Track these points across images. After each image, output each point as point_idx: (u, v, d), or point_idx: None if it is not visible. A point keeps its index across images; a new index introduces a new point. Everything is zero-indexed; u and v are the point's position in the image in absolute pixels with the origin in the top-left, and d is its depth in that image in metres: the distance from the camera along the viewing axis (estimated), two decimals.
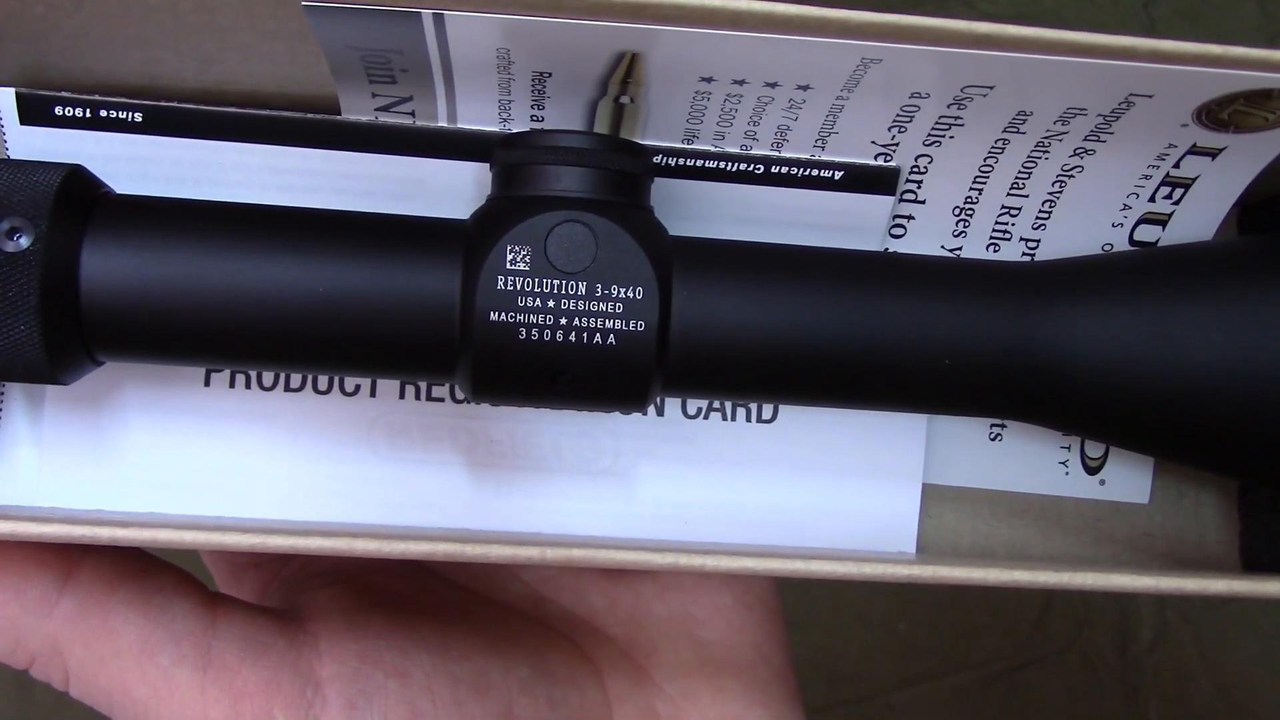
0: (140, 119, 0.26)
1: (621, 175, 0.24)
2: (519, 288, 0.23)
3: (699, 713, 0.28)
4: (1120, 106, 0.24)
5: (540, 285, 0.23)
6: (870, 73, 0.23)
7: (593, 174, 0.23)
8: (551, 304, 0.23)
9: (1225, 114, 0.24)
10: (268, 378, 0.28)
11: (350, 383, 0.28)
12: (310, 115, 0.26)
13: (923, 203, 0.28)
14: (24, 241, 0.22)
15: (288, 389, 0.28)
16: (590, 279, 0.23)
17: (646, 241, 0.23)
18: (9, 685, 0.64)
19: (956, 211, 0.28)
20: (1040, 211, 0.28)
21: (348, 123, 0.26)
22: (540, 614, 0.29)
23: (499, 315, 0.23)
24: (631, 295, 0.23)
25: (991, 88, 0.24)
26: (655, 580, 0.30)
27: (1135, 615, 0.64)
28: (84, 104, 0.26)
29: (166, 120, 0.26)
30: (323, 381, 0.28)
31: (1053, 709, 0.63)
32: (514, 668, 0.26)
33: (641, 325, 0.23)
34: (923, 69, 0.23)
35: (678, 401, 0.29)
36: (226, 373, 0.28)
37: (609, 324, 0.23)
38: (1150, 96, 0.24)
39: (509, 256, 0.23)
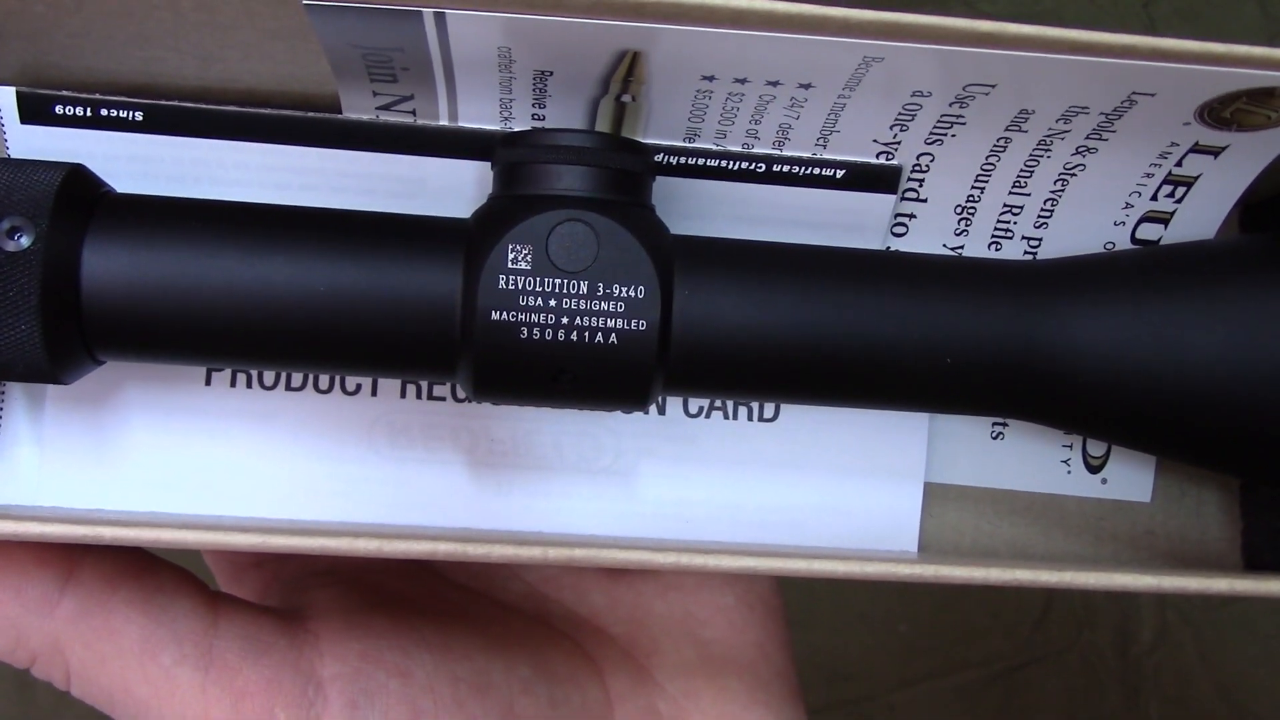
0: (141, 118, 0.26)
1: (623, 174, 0.24)
2: (520, 287, 0.23)
3: (701, 712, 0.28)
4: (1122, 105, 0.24)
5: (542, 284, 0.23)
6: (872, 71, 0.23)
7: (594, 173, 0.23)
8: (553, 303, 0.23)
9: (1227, 112, 0.24)
10: (269, 377, 0.28)
11: (351, 382, 0.28)
12: (311, 114, 0.26)
13: (924, 201, 0.28)
14: (25, 241, 0.22)
15: (289, 388, 0.28)
16: (592, 278, 0.23)
17: (648, 240, 0.23)
18: (10, 685, 0.64)
19: (958, 210, 0.28)
20: (1042, 210, 0.28)
21: (349, 121, 0.26)
22: (542, 613, 0.29)
23: (500, 314, 0.23)
24: (633, 294, 0.23)
25: (993, 86, 0.24)
26: (657, 580, 0.30)
27: (1135, 616, 0.64)
28: (85, 103, 0.26)
29: (167, 119, 0.26)
30: (324, 381, 0.28)
31: (1053, 709, 0.63)
32: (515, 667, 0.26)
33: (643, 324, 0.23)
34: (924, 67, 0.23)
35: (679, 400, 0.29)
36: (227, 372, 0.28)
37: (610, 323, 0.23)
38: (1152, 95, 0.24)
39: (510, 255, 0.23)
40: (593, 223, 0.23)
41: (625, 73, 0.24)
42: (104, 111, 0.26)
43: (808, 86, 0.24)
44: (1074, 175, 0.27)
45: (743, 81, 0.24)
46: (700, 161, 0.27)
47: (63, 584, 0.23)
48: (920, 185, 0.27)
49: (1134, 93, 0.24)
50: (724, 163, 0.27)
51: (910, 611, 0.63)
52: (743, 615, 0.30)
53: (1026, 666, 0.62)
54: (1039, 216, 0.28)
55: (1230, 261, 0.25)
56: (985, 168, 0.27)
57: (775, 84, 0.24)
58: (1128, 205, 0.28)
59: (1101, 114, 0.25)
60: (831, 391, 0.25)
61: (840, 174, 0.27)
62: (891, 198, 0.27)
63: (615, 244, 0.23)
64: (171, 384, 0.28)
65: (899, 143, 0.26)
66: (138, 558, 0.25)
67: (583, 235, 0.23)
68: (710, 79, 0.24)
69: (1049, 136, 0.26)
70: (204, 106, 0.26)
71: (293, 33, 0.24)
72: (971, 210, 0.28)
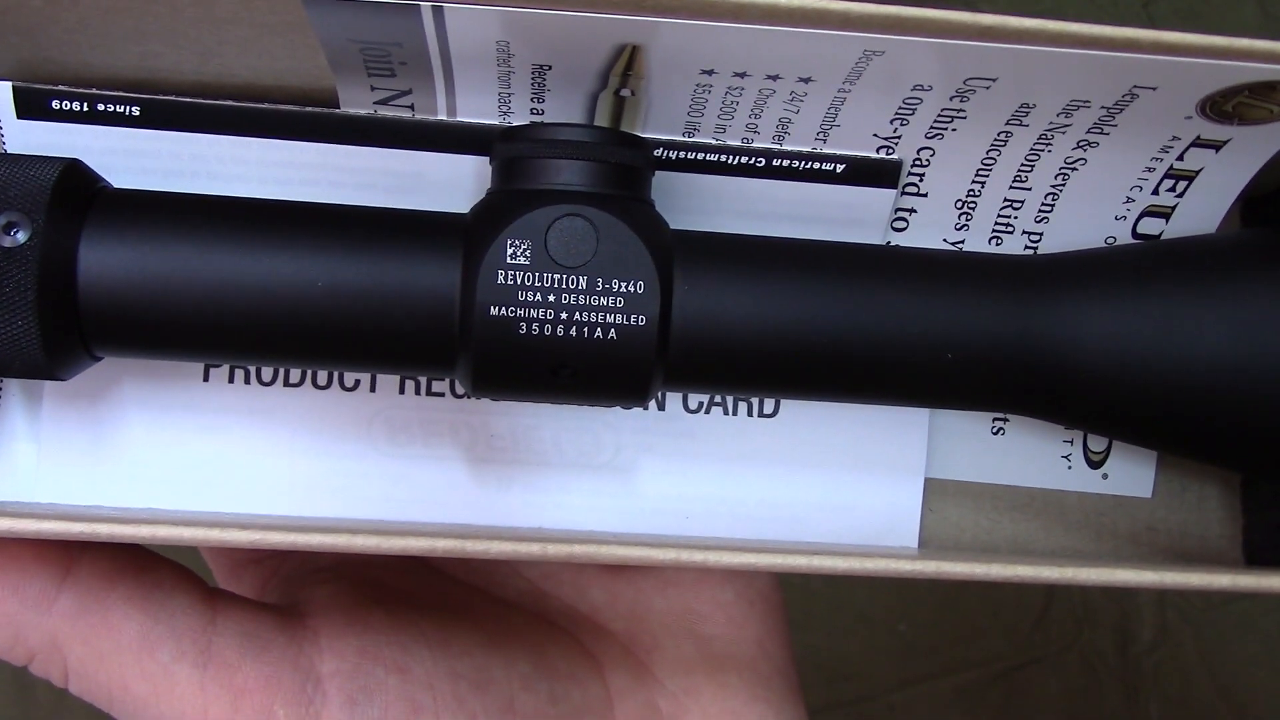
0: (138, 113, 0.26)
1: (622, 168, 0.23)
2: (519, 282, 0.23)
3: (700, 708, 0.28)
4: (1124, 99, 0.24)
5: (541, 280, 0.23)
6: (872, 65, 0.23)
7: (593, 167, 0.23)
8: (552, 298, 0.23)
9: (1229, 106, 0.24)
10: (266, 373, 0.28)
11: (350, 378, 0.28)
12: (309, 109, 0.26)
13: (925, 196, 0.28)
14: (21, 236, 0.22)
15: (287, 384, 0.28)
16: (591, 273, 0.23)
17: (647, 235, 0.23)
18: (9, 685, 0.64)
19: (959, 205, 0.28)
20: (1043, 204, 0.28)
21: (346, 116, 0.26)
22: (541, 609, 0.29)
23: (499, 310, 0.22)
24: (632, 289, 0.23)
25: (994, 80, 0.24)
26: (656, 576, 0.29)
27: (1136, 615, 0.64)
28: (82, 98, 0.26)
29: (164, 114, 0.26)
30: (322, 377, 0.28)
31: (1053, 709, 0.63)
32: (515, 663, 0.26)
33: (642, 319, 0.23)
34: (925, 61, 0.23)
35: (678, 396, 0.29)
36: (225, 368, 0.28)
37: (610, 318, 0.23)
38: (1154, 89, 0.24)
39: (509, 251, 0.23)
40: (592, 217, 0.23)
41: (624, 67, 0.24)
42: (101, 106, 0.26)
43: (808, 80, 0.24)
44: (1075, 169, 0.27)
45: (742, 75, 0.24)
46: (699, 156, 0.27)
47: (60, 580, 0.23)
48: (920, 180, 0.27)
49: (1135, 86, 0.24)
50: (723, 157, 0.27)
51: (910, 611, 0.63)
52: (742, 611, 0.29)
53: (1026, 666, 0.63)
54: (1040, 211, 0.28)
55: (1231, 256, 0.25)
56: (986, 162, 0.27)
57: (775, 78, 0.24)
58: (1129, 200, 0.27)
59: (1103, 108, 0.25)
60: (832, 387, 0.25)
61: (840, 169, 0.27)
62: (892, 192, 0.27)
63: (614, 239, 0.23)
64: (169, 380, 0.28)
65: (899, 137, 0.26)
66: (135, 554, 0.24)
67: (582, 230, 0.23)
68: (710, 73, 0.24)
69: (1050, 130, 0.26)
70: (202, 101, 0.26)
71: (290, 27, 0.24)
72: (972, 205, 0.28)
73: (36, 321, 0.22)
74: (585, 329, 0.23)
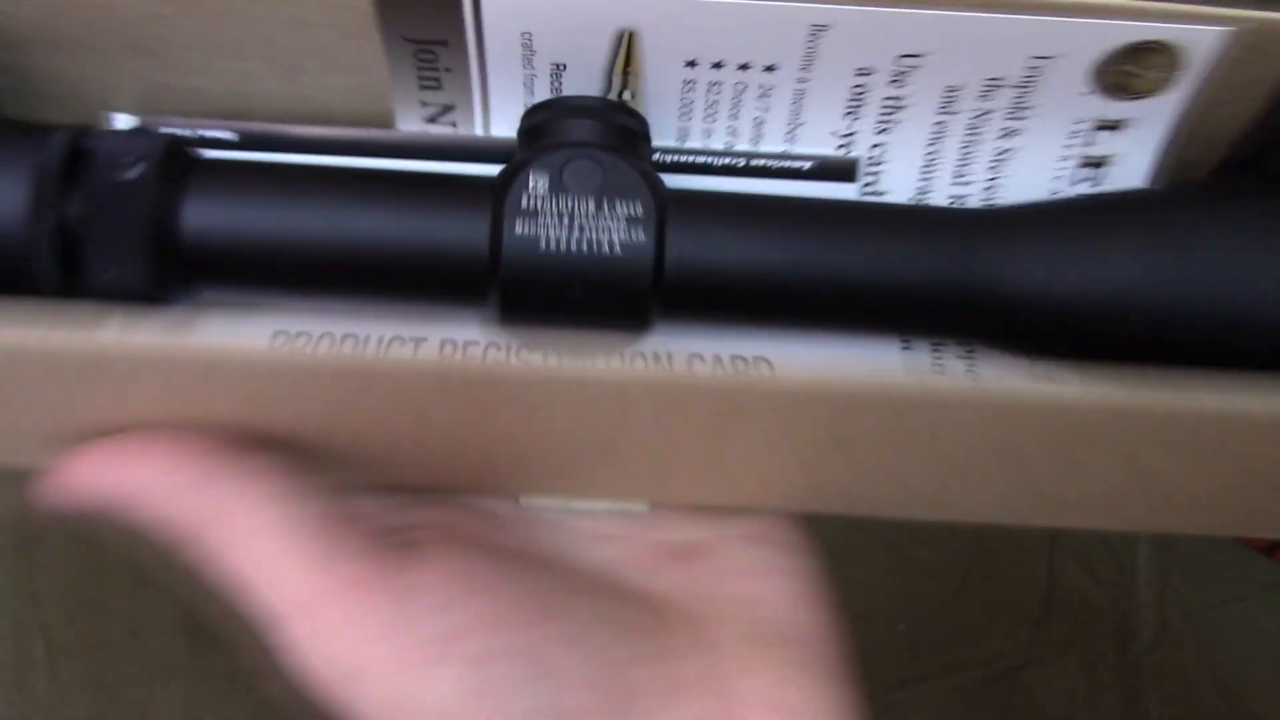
0: (234, 138, 0.32)
1: (624, 131, 0.29)
2: (539, 207, 0.27)
3: (758, 674, 0.29)
4: (1028, 73, 0.30)
5: (557, 203, 0.28)
6: (821, 43, 0.29)
7: (600, 126, 0.29)
8: (566, 218, 0.27)
9: (1115, 77, 0.29)
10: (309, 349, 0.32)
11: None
12: (374, 131, 0.32)
13: (884, 194, 0.33)
14: (136, 174, 0.27)
15: None
16: (599, 196, 0.28)
17: (645, 174, 0.28)
18: (9, 684, 0.62)
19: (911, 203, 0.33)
20: (983, 201, 0.33)
21: (403, 136, 0.32)
22: (611, 585, 0.31)
23: (523, 229, 0.27)
24: (633, 211, 0.28)
25: (921, 56, 0.29)
26: (720, 565, 0.31)
27: (1135, 615, 0.63)
28: (187, 127, 0.32)
29: (256, 140, 0.32)
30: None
31: (1053, 709, 0.61)
32: (584, 606, 0.28)
33: (641, 235, 0.27)
34: (863, 36, 0.29)
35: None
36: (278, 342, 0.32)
37: (615, 232, 0.27)
38: (1048, 57, 0.29)
39: (531, 183, 0.28)
40: (599, 158, 0.28)
41: (624, 63, 0.30)
42: (204, 133, 0.32)
43: (772, 69, 0.30)
44: (1005, 163, 0.32)
45: (719, 66, 0.30)
46: (689, 159, 0.32)
47: (220, 468, 0.26)
48: (876, 179, 0.32)
49: (1034, 56, 0.29)
50: (710, 160, 0.32)
51: (910, 611, 0.62)
52: (801, 602, 0.31)
53: (1027, 666, 0.61)
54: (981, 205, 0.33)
55: (1160, 200, 0.30)
56: (928, 157, 0.32)
57: (745, 68, 0.30)
58: (1054, 193, 0.32)
59: (1014, 87, 0.30)
60: (809, 311, 0.29)
61: (807, 166, 0.32)
62: (854, 186, 0.32)
63: (618, 174, 0.28)
64: None
65: (853, 133, 0.32)
66: (285, 461, 0.27)
67: (591, 166, 0.28)
68: (692, 65, 0.30)
69: (976, 119, 0.31)
70: (287, 129, 0.32)
71: (361, 30, 0.30)
72: (923, 202, 0.33)
73: (147, 252, 0.27)
74: (593, 244, 0.27)
